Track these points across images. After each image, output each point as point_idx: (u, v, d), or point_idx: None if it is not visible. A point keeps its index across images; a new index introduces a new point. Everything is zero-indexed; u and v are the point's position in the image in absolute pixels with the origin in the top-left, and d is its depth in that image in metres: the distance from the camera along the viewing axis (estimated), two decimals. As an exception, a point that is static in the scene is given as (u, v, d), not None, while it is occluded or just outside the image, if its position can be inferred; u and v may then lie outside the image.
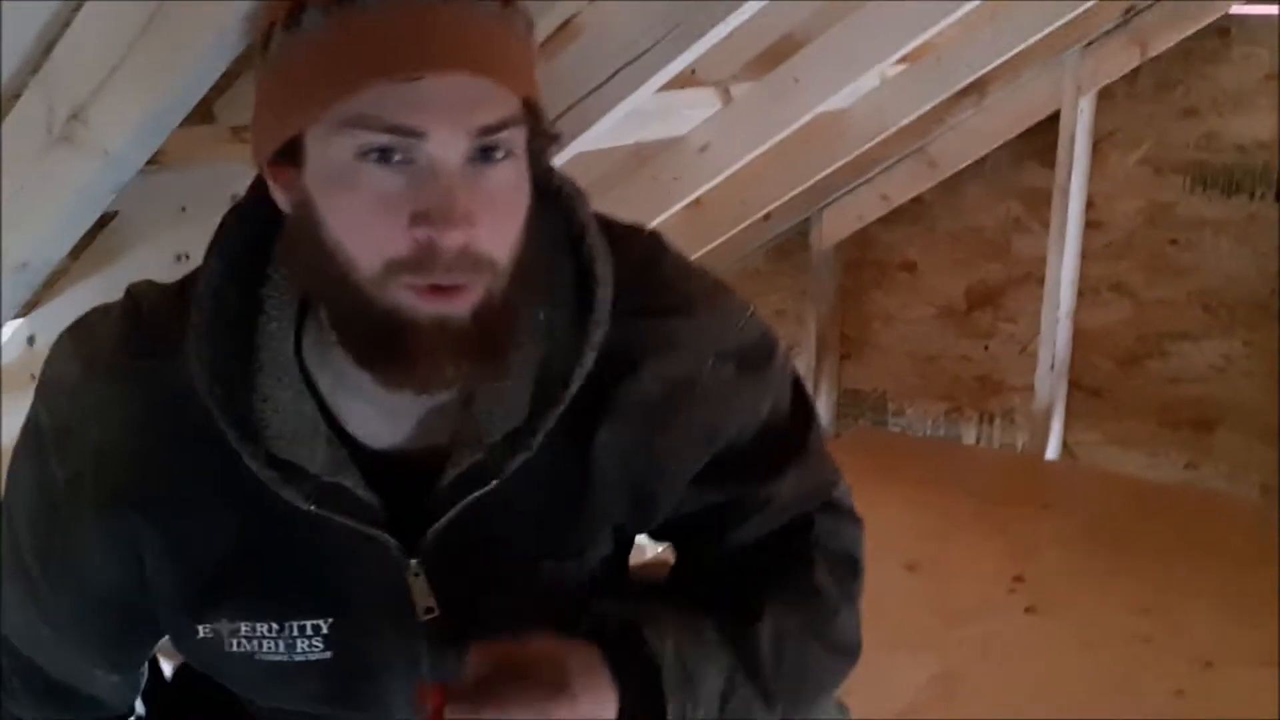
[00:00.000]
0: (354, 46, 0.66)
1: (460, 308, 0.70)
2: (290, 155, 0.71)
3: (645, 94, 1.44)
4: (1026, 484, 2.81)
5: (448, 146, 0.67)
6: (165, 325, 0.78)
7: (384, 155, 0.67)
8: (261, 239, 0.77)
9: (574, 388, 0.78)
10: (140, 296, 0.81)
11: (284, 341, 0.77)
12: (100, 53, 0.90)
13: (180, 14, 0.84)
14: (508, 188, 0.71)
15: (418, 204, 0.67)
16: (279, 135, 0.70)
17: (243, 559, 0.80)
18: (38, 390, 0.82)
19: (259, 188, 0.76)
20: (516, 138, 0.71)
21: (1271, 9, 2.62)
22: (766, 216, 2.83)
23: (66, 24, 0.94)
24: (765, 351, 0.89)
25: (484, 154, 0.69)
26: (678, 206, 2.21)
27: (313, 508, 0.76)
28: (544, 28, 1.47)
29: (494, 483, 0.77)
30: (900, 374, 3.35)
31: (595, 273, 0.79)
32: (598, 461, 0.83)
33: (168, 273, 1.43)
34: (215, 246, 0.77)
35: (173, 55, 0.86)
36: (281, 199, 0.73)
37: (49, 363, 0.82)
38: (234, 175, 1.24)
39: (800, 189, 2.76)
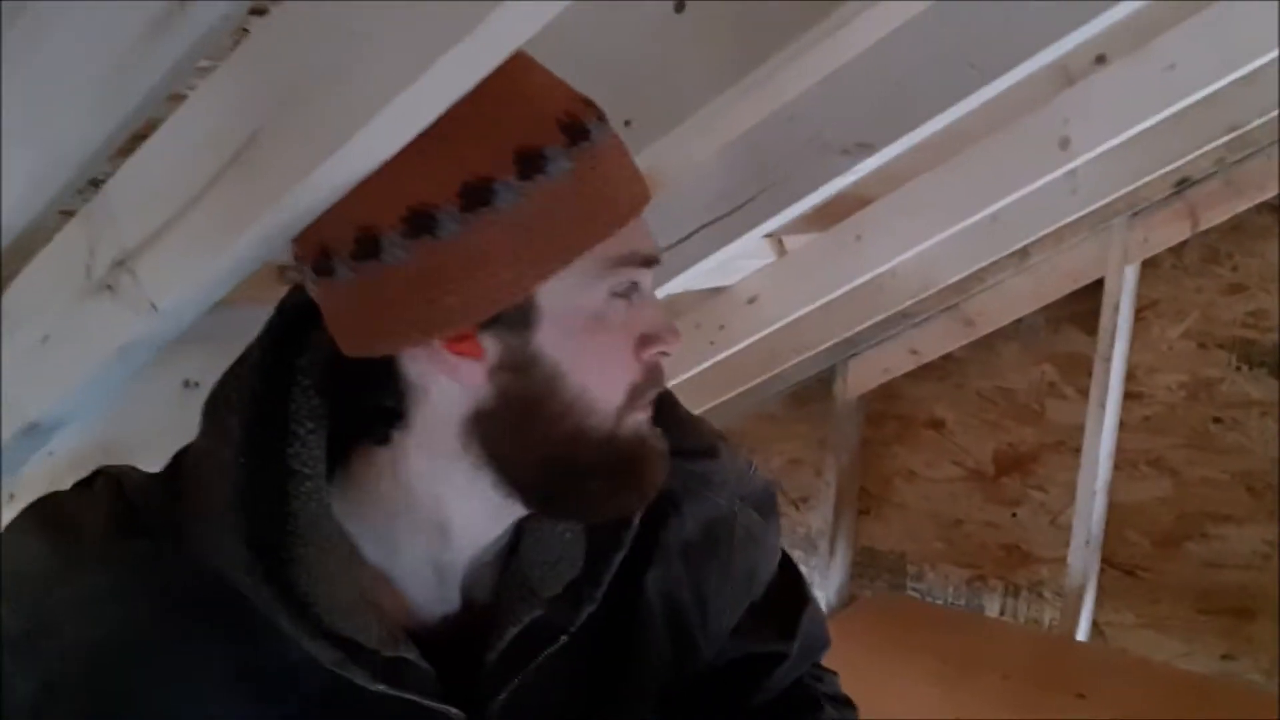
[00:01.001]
0: (610, 184, 0.65)
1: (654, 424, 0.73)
2: (506, 321, 0.65)
3: (723, 256, 1.34)
4: (1059, 668, 2.65)
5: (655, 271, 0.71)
6: (159, 503, 0.69)
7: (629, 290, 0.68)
8: (280, 395, 0.70)
9: (635, 528, 0.76)
10: (118, 474, 0.72)
11: (323, 503, 0.69)
12: (161, 197, 0.77)
13: (263, 161, 0.71)
14: None
15: (646, 326, 0.69)
16: (517, 292, 0.64)
17: None
18: None
19: (272, 339, 0.70)
20: None
21: (1327, 190, 2.56)
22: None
23: (122, 156, 0.81)
24: (773, 497, 0.91)
25: None
26: (721, 356, 2.10)
27: (382, 687, 0.67)
28: (638, 164, 1.37)
29: (564, 639, 0.73)
30: (922, 536, 3.20)
31: None
32: (647, 607, 0.80)
33: (176, 399, 1.30)
34: (229, 406, 0.68)
35: (249, 209, 0.72)
36: (472, 372, 0.66)
37: (4, 554, 0.69)
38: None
39: (832, 343, 2.67)
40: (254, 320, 1.23)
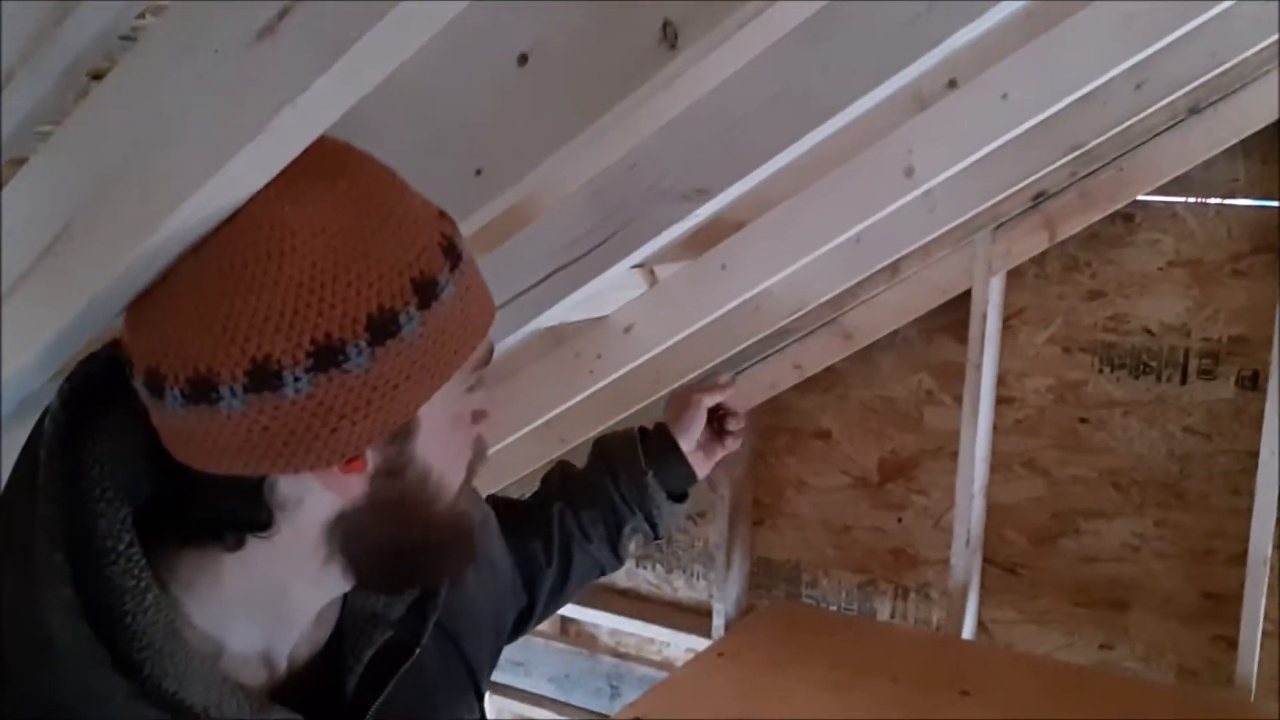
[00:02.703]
0: (480, 300, 0.71)
1: None
2: (393, 436, 0.69)
3: (593, 289, 1.38)
4: (945, 667, 2.74)
5: None
6: None
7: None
8: (77, 512, 0.67)
9: None
10: None
11: (167, 611, 0.67)
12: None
13: (77, 248, 0.72)
14: None
15: (478, 404, 0.75)
16: (411, 410, 0.67)
17: None
18: None
19: (59, 464, 0.66)
20: None
21: (1175, 197, 2.70)
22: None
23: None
24: None
25: None
26: (600, 385, 2.14)
27: None
28: (490, 211, 1.40)
29: (417, 651, 0.80)
30: (814, 544, 3.29)
31: None
32: (472, 598, 0.92)
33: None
34: (45, 544, 0.64)
35: (69, 291, 0.74)
36: (356, 485, 0.69)
37: None
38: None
39: (715, 363, 2.73)
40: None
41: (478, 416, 0.76)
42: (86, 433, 0.68)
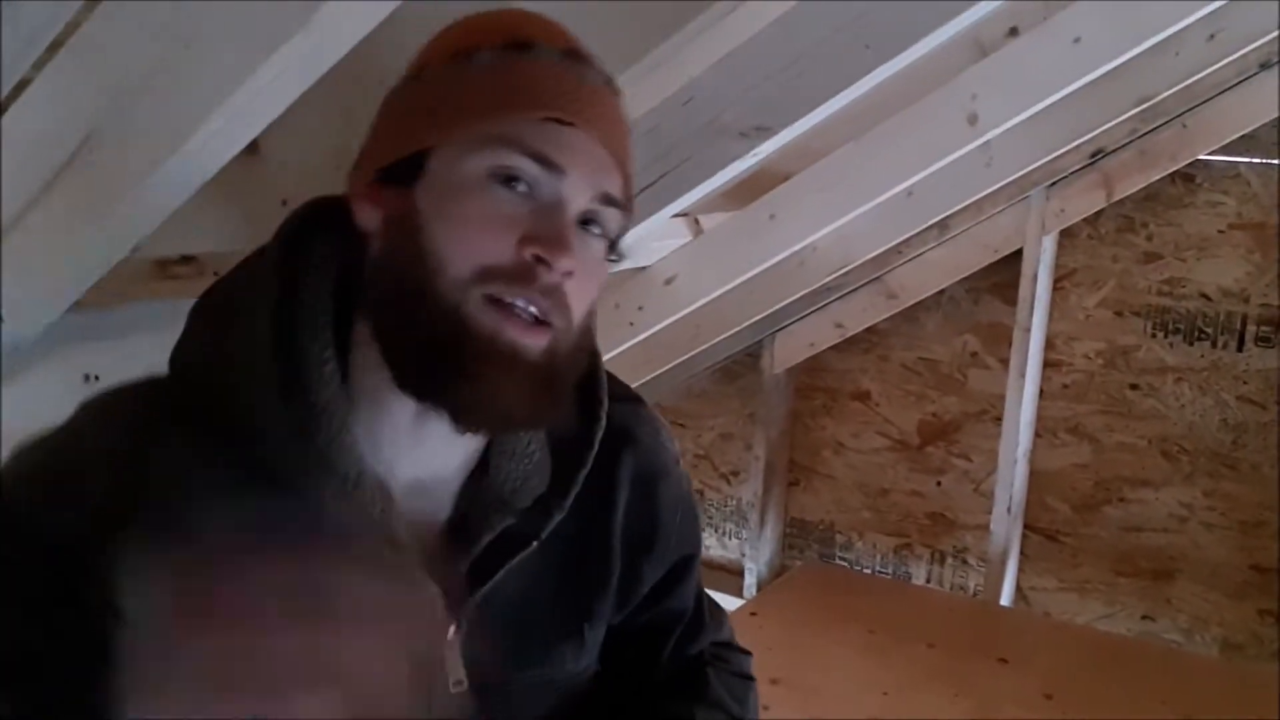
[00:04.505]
0: (521, 82, 0.70)
1: (536, 343, 0.70)
2: (398, 174, 0.72)
3: (636, 236, 1.31)
4: (983, 634, 2.68)
5: (576, 192, 0.71)
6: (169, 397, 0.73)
7: (512, 180, 0.70)
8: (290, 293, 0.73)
9: (596, 448, 0.81)
10: (122, 389, 0.75)
11: (339, 386, 0.73)
12: (9, 193, 0.73)
13: (101, 163, 0.66)
14: (596, 260, 0.74)
15: (534, 229, 0.70)
16: (411, 145, 0.71)
17: None
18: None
19: (286, 241, 0.73)
20: (613, 221, 0.74)
21: (1239, 157, 2.60)
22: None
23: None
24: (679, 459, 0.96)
25: (585, 223, 0.72)
26: (641, 337, 2.08)
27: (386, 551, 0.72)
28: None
29: (534, 545, 0.78)
30: (850, 505, 3.23)
31: (594, 348, 0.82)
32: (614, 529, 0.86)
33: (76, 392, 1.26)
34: (255, 306, 0.71)
35: (90, 211, 0.68)
36: (369, 216, 0.73)
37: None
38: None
39: (756, 319, 2.66)
40: (149, 315, 1.20)
41: (526, 240, 0.69)
42: (319, 229, 0.74)
